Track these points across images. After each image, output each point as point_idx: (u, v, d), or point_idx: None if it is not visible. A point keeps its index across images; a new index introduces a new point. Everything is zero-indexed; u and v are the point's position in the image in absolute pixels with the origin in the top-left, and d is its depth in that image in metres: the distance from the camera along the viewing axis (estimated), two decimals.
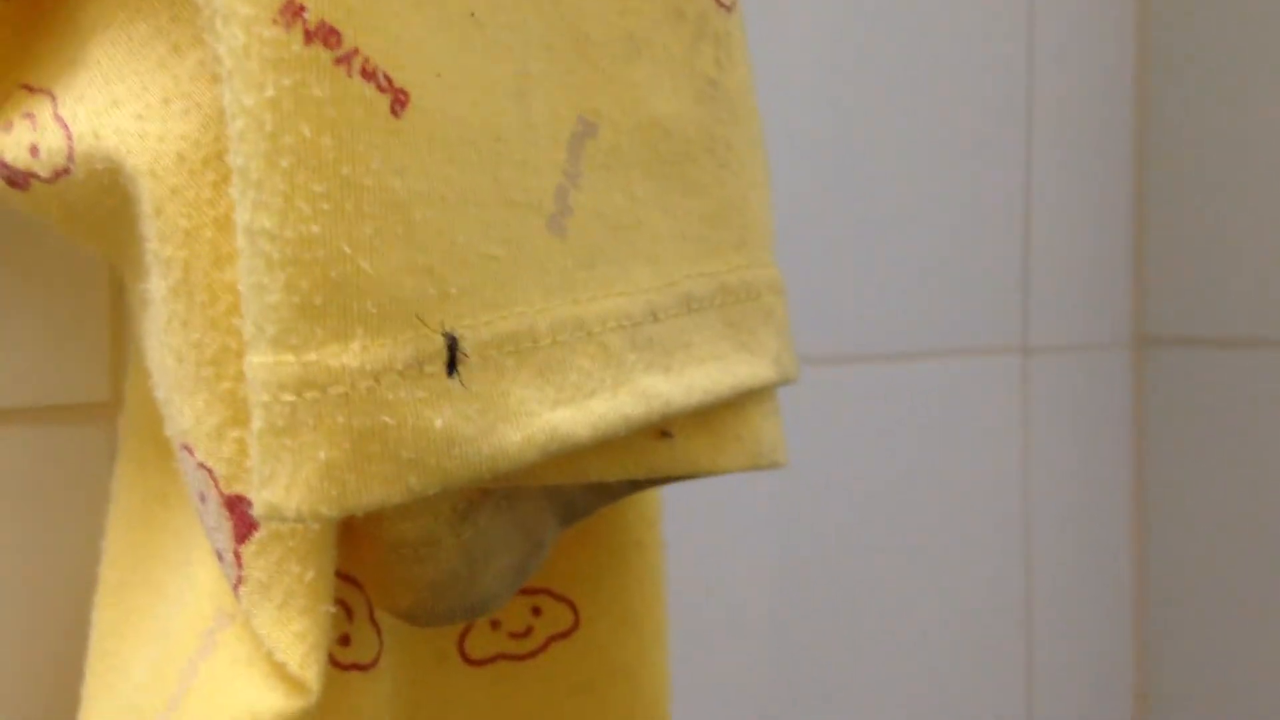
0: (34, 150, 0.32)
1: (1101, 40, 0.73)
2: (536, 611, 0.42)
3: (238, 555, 0.31)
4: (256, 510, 0.27)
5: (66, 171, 0.32)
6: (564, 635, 0.42)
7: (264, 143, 0.26)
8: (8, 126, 0.33)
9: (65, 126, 0.31)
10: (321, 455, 0.27)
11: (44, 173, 0.32)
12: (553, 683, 0.42)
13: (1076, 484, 0.73)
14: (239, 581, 0.31)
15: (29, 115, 0.32)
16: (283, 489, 0.27)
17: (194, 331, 0.30)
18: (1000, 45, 0.68)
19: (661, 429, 0.34)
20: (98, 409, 0.41)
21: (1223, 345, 0.72)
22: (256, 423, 0.27)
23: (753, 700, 0.59)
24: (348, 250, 0.26)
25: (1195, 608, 0.73)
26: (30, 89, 0.33)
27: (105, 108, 0.31)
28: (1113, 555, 0.75)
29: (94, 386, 0.40)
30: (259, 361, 0.27)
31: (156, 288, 0.31)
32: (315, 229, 0.26)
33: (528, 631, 0.42)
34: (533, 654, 0.42)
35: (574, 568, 0.42)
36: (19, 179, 0.32)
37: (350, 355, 0.27)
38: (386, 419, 0.27)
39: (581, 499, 0.38)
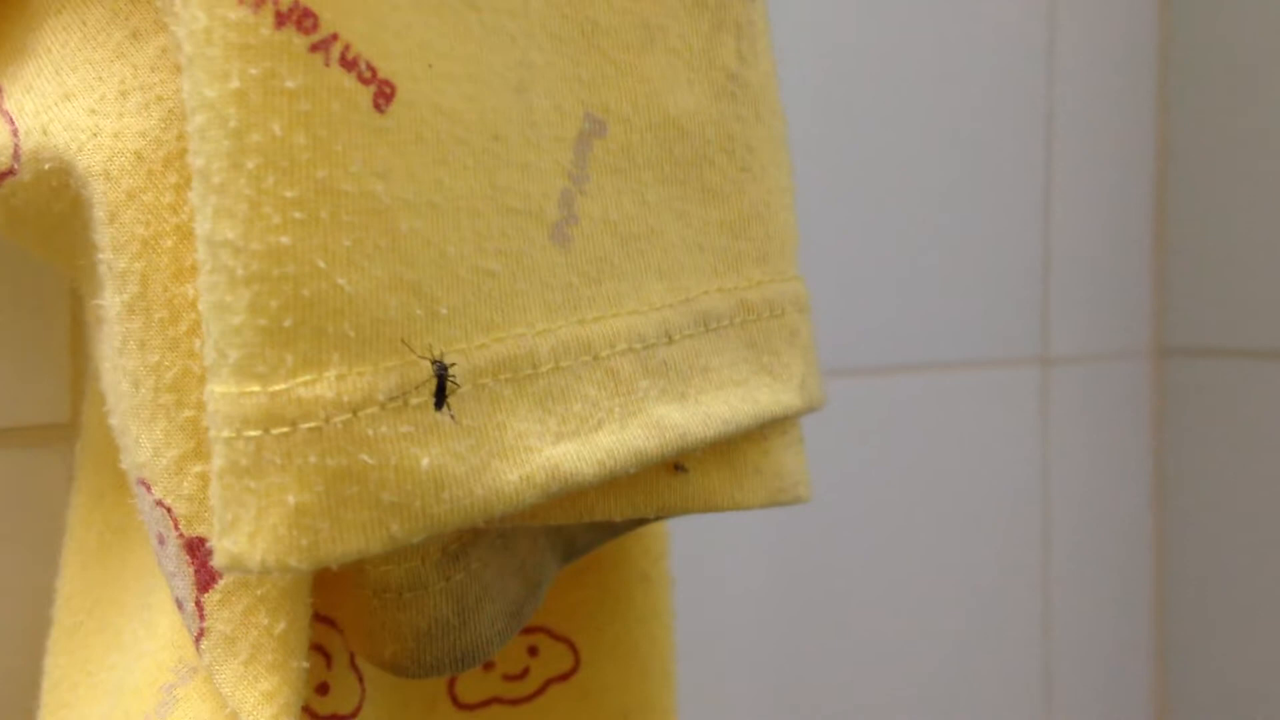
0: None
1: (1122, 48, 0.72)
2: (533, 652, 0.39)
3: (199, 605, 0.27)
4: (217, 560, 0.24)
5: (12, 172, 0.28)
6: (563, 678, 0.39)
7: (227, 141, 0.22)
8: None
9: (11, 122, 0.28)
10: (290, 499, 0.23)
11: None
12: None
13: (1096, 495, 0.72)
14: (201, 634, 0.27)
15: None
16: (246, 537, 0.23)
17: (152, 353, 0.27)
18: (1019, 51, 0.66)
19: (674, 462, 0.30)
20: (57, 431, 0.37)
21: (1243, 355, 0.71)
22: (217, 461, 0.24)
23: (759, 717, 0.57)
24: (322, 265, 0.23)
25: (1215, 618, 0.72)
26: None
27: (56, 101, 0.28)
28: (1133, 567, 0.74)
29: (53, 407, 0.37)
30: (221, 392, 0.23)
31: (111, 303, 0.27)
32: (285, 240, 0.23)
33: (524, 673, 0.38)
34: (529, 698, 0.38)
35: (574, 605, 0.38)
36: None
37: (324, 385, 0.23)
38: (365, 458, 0.24)
39: (583, 536, 0.34)
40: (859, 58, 0.59)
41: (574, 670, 0.39)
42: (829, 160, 0.58)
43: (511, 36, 0.26)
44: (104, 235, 0.27)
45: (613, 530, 0.35)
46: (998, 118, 0.65)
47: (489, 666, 0.39)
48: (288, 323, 0.23)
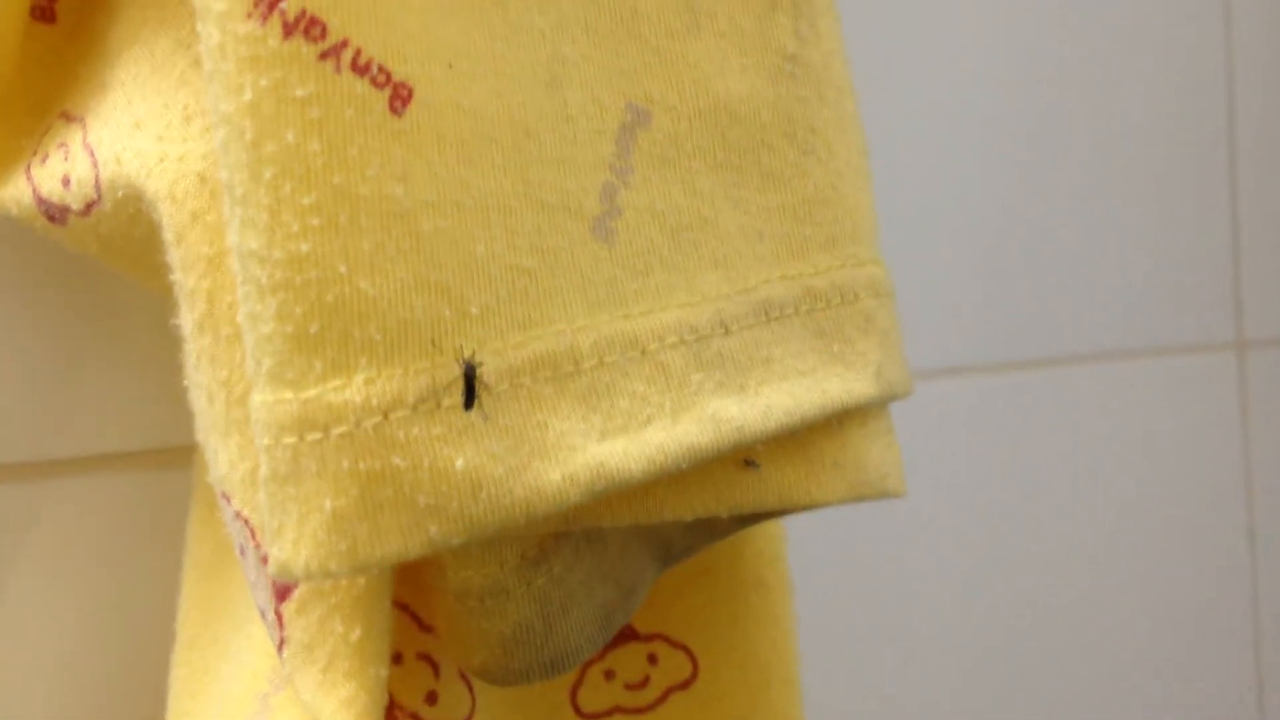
0: (66, 182, 0.30)
1: None
2: (653, 660, 0.38)
3: (279, 614, 0.28)
4: (270, 569, 0.24)
5: (96, 202, 0.30)
6: (683, 686, 0.38)
7: (245, 152, 0.23)
8: (44, 159, 0.31)
9: (91, 154, 0.29)
10: (327, 504, 0.23)
11: (76, 205, 0.30)
12: None
13: None
14: (282, 643, 0.28)
15: (63, 145, 0.31)
16: (290, 544, 0.24)
17: (221, 369, 0.28)
18: (1199, 18, 0.62)
19: (744, 458, 0.29)
20: (189, 454, 0.39)
21: None
22: (262, 469, 0.24)
23: None
24: (343, 269, 0.23)
25: None
26: (68, 117, 0.31)
27: (128, 130, 0.29)
28: None
29: (186, 430, 0.39)
30: (260, 400, 0.24)
31: (184, 321, 0.28)
32: (305, 247, 0.23)
33: (644, 682, 0.38)
34: (651, 707, 0.38)
35: (690, 612, 0.38)
36: (56, 214, 0.31)
37: (353, 390, 0.23)
38: (398, 461, 0.24)
39: (679, 539, 0.34)
40: (1042, 36, 0.57)
41: (693, 678, 0.38)
42: (1010, 144, 0.56)
43: (541, 32, 0.26)
44: (173, 255, 0.28)
45: (712, 533, 0.34)
46: (1177, 90, 0.62)
47: (610, 675, 0.38)
48: (314, 329, 0.23)
